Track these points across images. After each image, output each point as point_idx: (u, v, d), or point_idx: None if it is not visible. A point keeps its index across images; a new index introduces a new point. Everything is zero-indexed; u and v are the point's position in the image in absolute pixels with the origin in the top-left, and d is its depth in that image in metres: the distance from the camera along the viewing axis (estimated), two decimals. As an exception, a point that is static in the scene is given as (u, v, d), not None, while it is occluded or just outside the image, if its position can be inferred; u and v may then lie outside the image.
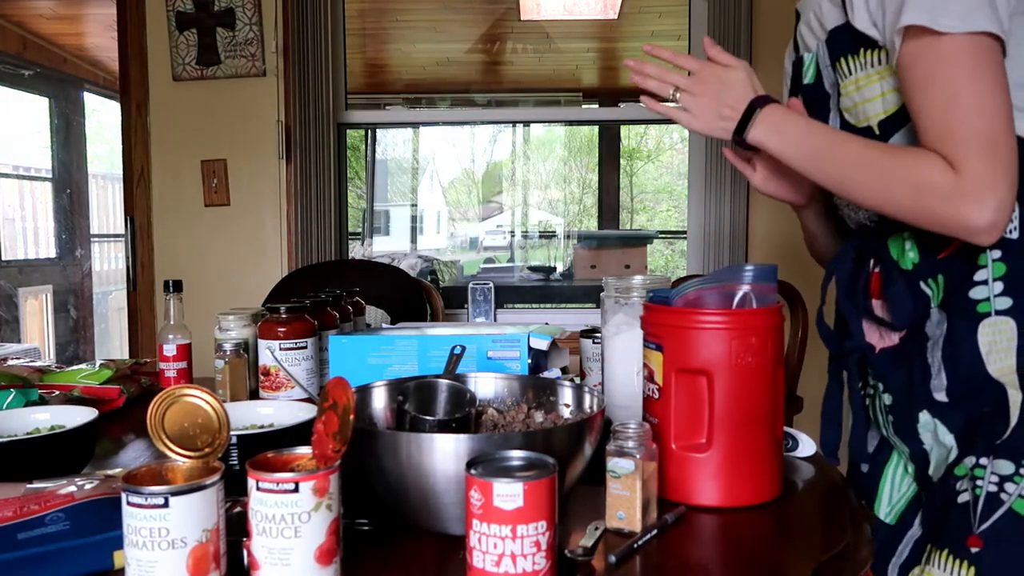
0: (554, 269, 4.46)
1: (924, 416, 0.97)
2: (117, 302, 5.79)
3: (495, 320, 3.05)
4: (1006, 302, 0.92)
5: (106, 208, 6.07)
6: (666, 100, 1.06)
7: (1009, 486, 0.89)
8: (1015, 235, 0.92)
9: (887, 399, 1.04)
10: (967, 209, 0.87)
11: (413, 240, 5.98)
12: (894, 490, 1.06)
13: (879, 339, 1.04)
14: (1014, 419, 0.90)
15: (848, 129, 1.03)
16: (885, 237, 1.04)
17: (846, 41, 1.00)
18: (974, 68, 0.87)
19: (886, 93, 0.97)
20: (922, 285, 0.98)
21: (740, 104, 1.02)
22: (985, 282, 0.93)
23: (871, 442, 1.10)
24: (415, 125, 6.03)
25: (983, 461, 0.90)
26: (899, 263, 1.01)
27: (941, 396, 0.95)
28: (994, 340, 0.92)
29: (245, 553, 0.70)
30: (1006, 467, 0.89)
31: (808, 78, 1.10)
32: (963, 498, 0.91)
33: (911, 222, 0.93)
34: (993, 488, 0.89)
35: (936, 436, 0.96)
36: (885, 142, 0.99)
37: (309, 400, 1.37)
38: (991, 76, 0.87)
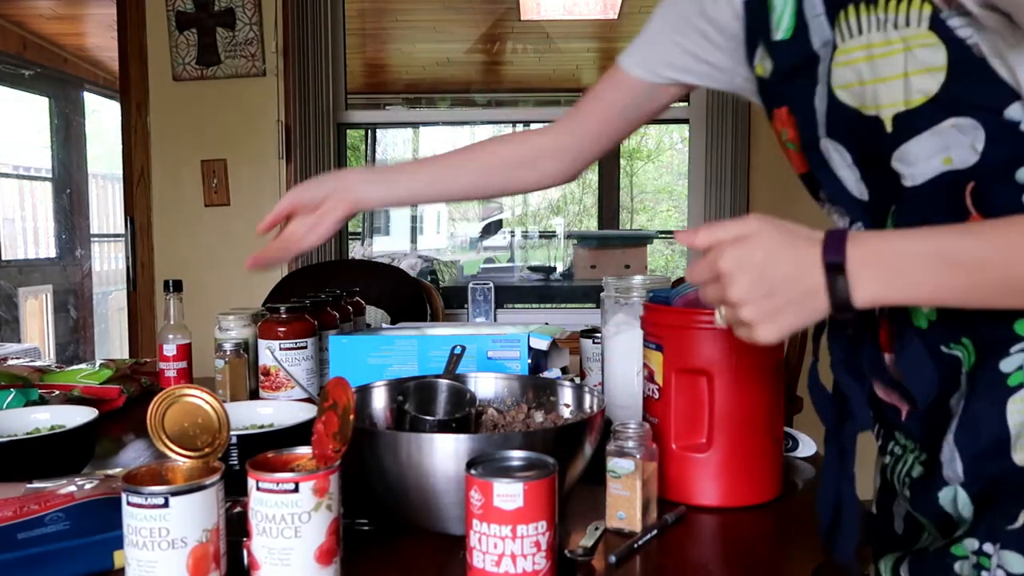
0: (554, 269, 4.45)
1: (943, 492, 0.73)
2: (117, 302, 5.79)
3: (495, 320, 3.05)
4: None
5: (106, 208, 6.07)
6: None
7: None
8: None
9: (916, 471, 0.77)
10: None
11: (413, 240, 5.98)
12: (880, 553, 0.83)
13: (900, 401, 0.78)
14: None
15: (842, 116, 0.73)
16: None
17: None
18: None
19: (912, 74, 0.67)
20: (944, 348, 0.72)
21: (806, 275, 0.65)
22: (1022, 350, 0.67)
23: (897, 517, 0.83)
24: (415, 125, 6.03)
25: (987, 548, 0.68)
26: (911, 318, 0.74)
27: (967, 509, 0.71)
28: None
29: (245, 553, 0.70)
30: (1016, 563, 0.66)
31: (783, 32, 0.78)
32: None
33: None
34: None
35: (956, 507, 0.72)
36: (896, 145, 0.70)
37: (309, 400, 1.37)
38: None
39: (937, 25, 0.64)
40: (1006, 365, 0.68)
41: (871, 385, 0.80)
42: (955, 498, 0.72)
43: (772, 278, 0.65)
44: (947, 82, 0.65)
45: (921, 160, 0.69)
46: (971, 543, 0.70)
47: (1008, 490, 0.68)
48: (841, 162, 0.77)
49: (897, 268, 0.63)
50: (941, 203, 0.70)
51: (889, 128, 0.70)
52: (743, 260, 0.65)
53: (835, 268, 0.63)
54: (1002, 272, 0.62)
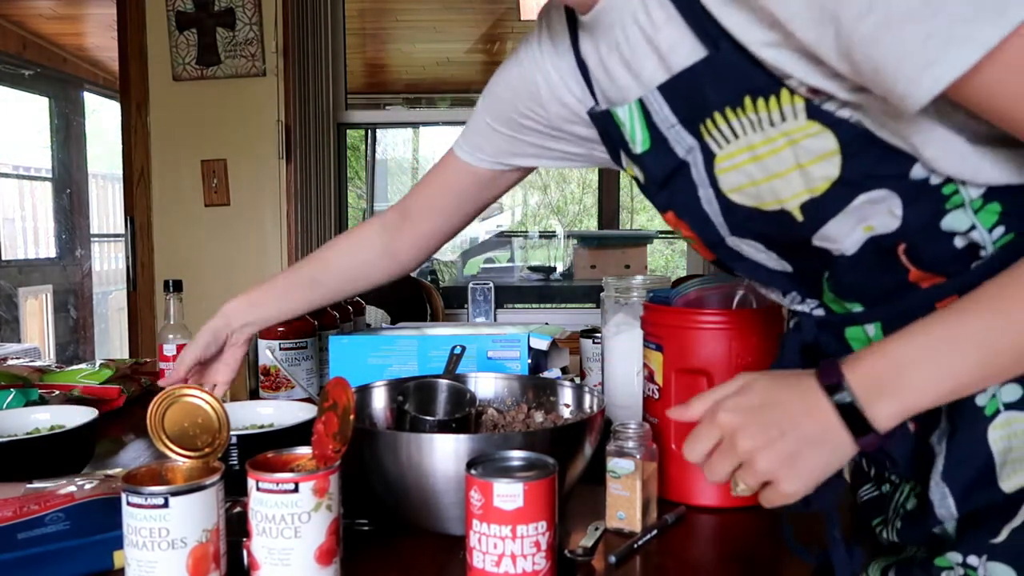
0: (554, 269, 4.45)
1: (938, 529, 0.71)
2: (117, 302, 5.79)
3: (495, 320, 3.05)
4: (1014, 392, 0.65)
5: (106, 208, 6.07)
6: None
7: None
8: None
9: (911, 503, 0.75)
10: None
11: (413, 240, 5.97)
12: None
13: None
14: (1019, 520, 0.65)
15: (742, 216, 0.71)
16: (840, 327, 0.74)
17: (720, 86, 0.66)
18: None
19: (807, 164, 0.65)
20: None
21: (815, 408, 0.61)
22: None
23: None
24: (415, 125, 6.03)
25: (972, 560, 0.67)
26: None
27: (950, 521, 0.69)
28: (1008, 447, 0.65)
29: (245, 553, 0.70)
30: (1004, 574, 0.65)
31: (640, 145, 0.76)
32: None
33: None
34: None
35: (945, 530, 0.71)
36: (812, 231, 0.68)
37: (309, 400, 1.37)
38: None
39: (816, 113, 0.63)
40: (980, 399, 0.66)
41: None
42: (944, 525, 0.70)
43: (779, 419, 0.61)
44: (845, 162, 0.63)
45: (844, 236, 0.68)
46: (955, 556, 0.68)
47: (991, 511, 0.67)
48: (754, 251, 0.76)
49: (905, 376, 0.59)
50: (876, 263, 0.68)
51: (800, 218, 0.68)
52: (743, 407, 0.63)
53: (835, 388, 0.60)
54: (1012, 338, 0.58)
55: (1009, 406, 0.65)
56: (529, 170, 1.08)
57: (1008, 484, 0.65)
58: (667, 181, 0.76)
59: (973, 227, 0.64)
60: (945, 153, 0.61)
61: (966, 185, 0.63)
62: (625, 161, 0.83)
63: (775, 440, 0.61)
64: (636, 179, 0.84)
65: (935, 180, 0.63)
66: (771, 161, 0.66)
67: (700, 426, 0.65)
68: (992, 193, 0.63)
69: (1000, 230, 0.64)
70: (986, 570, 0.66)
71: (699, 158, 0.71)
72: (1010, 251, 0.63)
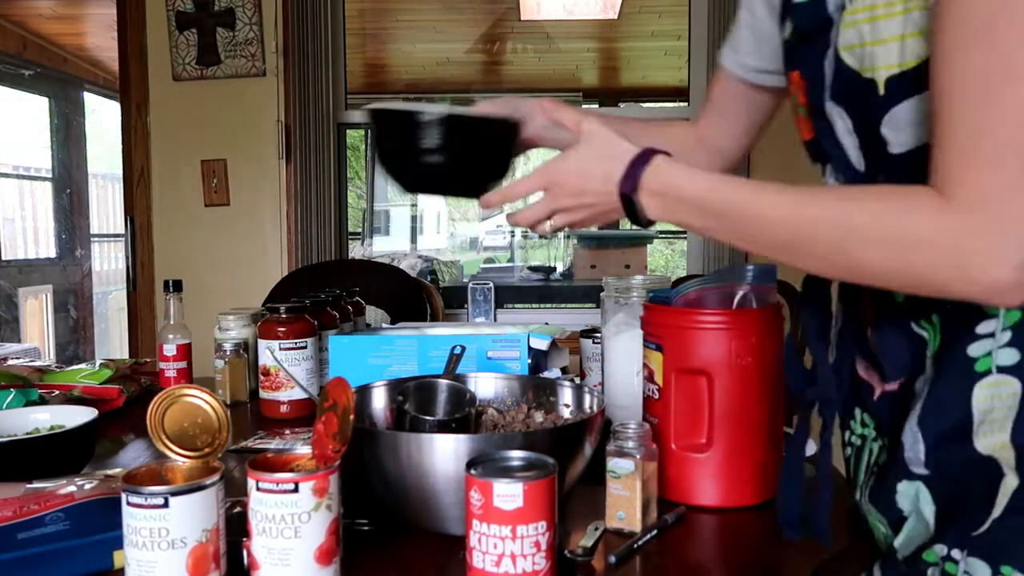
0: (554, 269, 4.46)
1: (903, 485, 0.73)
2: (117, 302, 5.79)
3: (495, 320, 3.05)
4: (1011, 356, 0.66)
5: (106, 208, 6.07)
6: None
7: None
8: None
9: (882, 458, 0.78)
10: (979, 267, 0.59)
11: (413, 240, 5.98)
12: None
13: (878, 381, 0.78)
14: (999, 508, 0.66)
15: (844, 79, 0.73)
16: None
17: None
18: None
19: (908, 37, 0.66)
20: (914, 326, 0.73)
21: (610, 200, 0.81)
22: (992, 335, 0.67)
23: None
24: (415, 125, 6.01)
25: (955, 554, 0.68)
26: (890, 295, 0.75)
27: (919, 470, 0.71)
28: (990, 407, 0.67)
29: (245, 553, 0.70)
30: (981, 569, 0.66)
31: None
32: None
33: (899, 290, 0.70)
34: None
35: (917, 505, 0.73)
36: (886, 109, 0.70)
37: (309, 400, 1.37)
38: None
39: None
40: (974, 350, 0.68)
41: (853, 363, 0.80)
42: (917, 495, 0.72)
43: (584, 203, 0.83)
44: None
45: (907, 126, 0.69)
46: (940, 549, 0.69)
47: (972, 492, 0.68)
48: (843, 128, 0.76)
49: (673, 205, 0.78)
50: (922, 176, 0.67)
51: (882, 91, 0.69)
52: (557, 170, 0.84)
53: (628, 196, 0.79)
54: (733, 224, 0.74)
55: (1002, 369, 0.66)
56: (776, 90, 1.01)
57: (982, 443, 0.67)
58: (810, 35, 0.77)
59: None
60: None
61: None
62: (786, 23, 0.84)
63: (584, 212, 0.84)
64: (784, 42, 0.85)
65: None
66: (882, 25, 0.67)
67: (538, 203, 0.86)
68: None
69: None
70: (966, 565, 0.67)
71: (840, 16, 0.73)
72: None
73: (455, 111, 0.92)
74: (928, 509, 0.71)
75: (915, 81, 0.66)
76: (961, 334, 0.68)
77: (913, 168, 0.69)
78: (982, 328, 0.67)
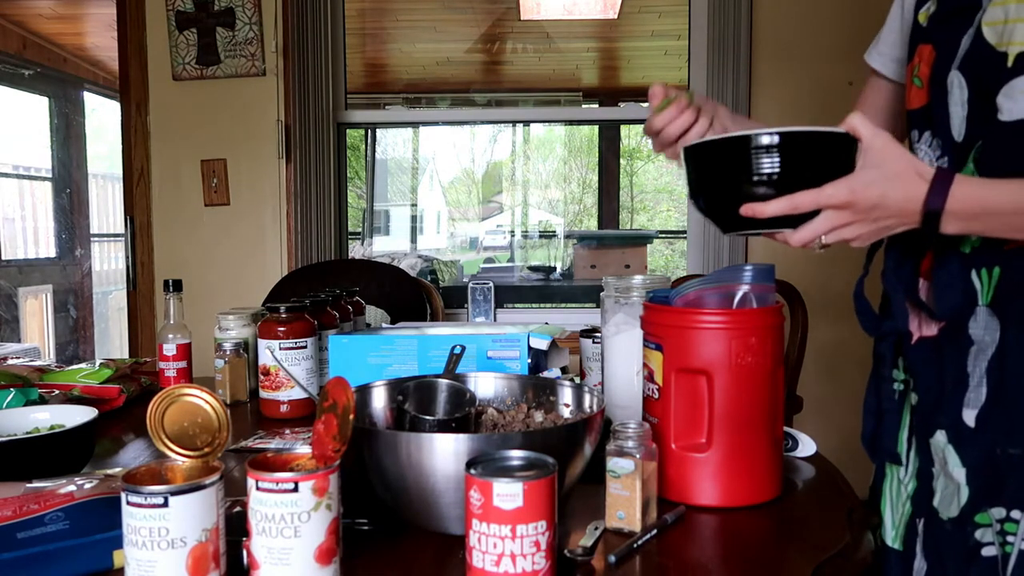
0: (554, 269, 4.45)
1: (939, 436, 0.83)
2: (117, 302, 5.79)
3: (495, 320, 3.05)
4: None
5: (106, 208, 6.07)
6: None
7: None
8: None
9: (914, 398, 0.89)
10: None
11: (413, 240, 5.98)
12: (894, 510, 0.94)
13: (918, 327, 0.87)
14: None
15: (977, 50, 0.80)
16: None
17: None
18: None
19: None
20: (973, 274, 0.82)
21: (905, 217, 0.79)
22: None
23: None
24: (415, 125, 6.03)
25: (1015, 514, 0.75)
26: (959, 242, 0.84)
27: (970, 416, 0.80)
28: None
29: (245, 553, 0.70)
30: None
31: None
32: (988, 551, 0.78)
33: None
34: None
35: (945, 465, 0.82)
36: (1010, 78, 0.77)
37: (309, 400, 1.37)
38: None
39: None
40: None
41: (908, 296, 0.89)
42: (944, 456, 0.80)
43: (878, 218, 0.79)
44: None
45: (1022, 95, 0.78)
46: (998, 511, 0.75)
47: (1018, 460, 0.74)
48: (958, 98, 0.83)
49: (980, 218, 0.77)
50: (1022, 143, 0.78)
51: (1010, 63, 0.78)
52: (861, 210, 0.79)
53: (934, 213, 0.76)
54: None
55: None
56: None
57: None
58: (951, 15, 0.83)
59: None
60: None
61: None
62: (927, 5, 0.89)
63: (869, 227, 0.80)
64: (917, 24, 0.89)
65: None
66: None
67: (823, 220, 0.80)
68: None
69: None
70: None
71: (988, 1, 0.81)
72: None
73: (790, 129, 0.80)
74: (958, 473, 0.79)
75: None
76: (1021, 287, 0.78)
77: (1016, 135, 0.79)
78: None
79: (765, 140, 0.79)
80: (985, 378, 0.79)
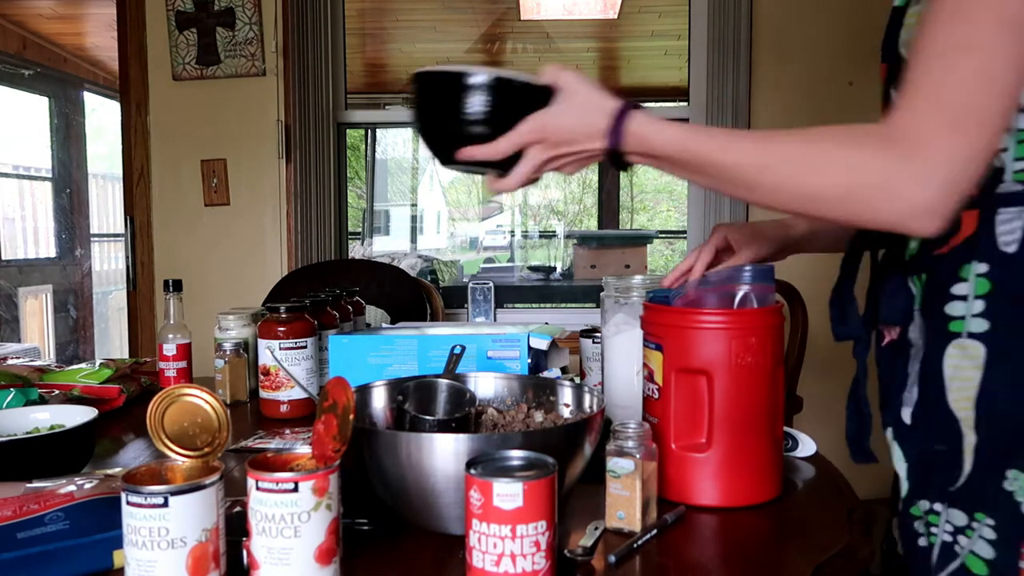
0: (554, 269, 4.45)
1: (888, 432, 0.87)
2: (117, 302, 5.79)
3: (495, 320, 3.05)
4: (982, 325, 0.77)
5: (106, 208, 6.07)
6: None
7: (962, 539, 0.79)
8: (1012, 248, 0.76)
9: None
10: (904, 188, 0.70)
11: (413, 240, 5.98)
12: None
13: (888, 330, 0.90)
14: (967, 465, 0.78)
15: (899, 70, 0.84)
16: None
17: None
18: (1015, 23, 0.69)
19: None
20: (910, 280, 0.85)
21: (593, 146, 0.87)
22: (964, 298, 0.78)
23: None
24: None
25: (937, 507, 0.80)
26: (902, 251, 0.87)
27: (906, 414, 0.84)
28: (959, 365, 0.78)
29: (245, 553, 0.70)
30: (959, 518, 0.79)
31: None
32: (922, 542, 0.83)
33: (846, 221, 0.79)
34: (948, 538, 0.80)
35: (892, 459, 0.87)
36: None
37: (309, 400, 1.37)
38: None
39: None
40: (951, 309, 0.80)
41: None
42: (891, 452, 0.86)
43: (575, 142, 0.87)
44: None
45: None
46: (923, 504, 0.82)
47: (941, 451, 0.80)
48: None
49: (650, 158, 0.85)
50: None
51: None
52: (552, 144, 0.88)
53: (613, 150, 0.85)
54: (703, 174, 0.83)
55: (972, 335, 0.78)
56: None
57: (952, 396, 0.79)
58: (890, 33, 0.88)
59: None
60: None
61: None
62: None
63: (571, 158, 0.89)
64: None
65: None
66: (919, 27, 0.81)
67: (526, 161, 0.89)
68: None
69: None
70: (947, 515, 0.80)
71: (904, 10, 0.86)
72: None
73: (503, 74, 0.87)
74: (901, 466, 0.85)
75: None
76: (941, 292, 0.80)
77: None
78: (956, 289, 0.79)
79: (477, 79, 0.85)
80: (917, 379, 0.83)
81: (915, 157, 0.70)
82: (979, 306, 0.78)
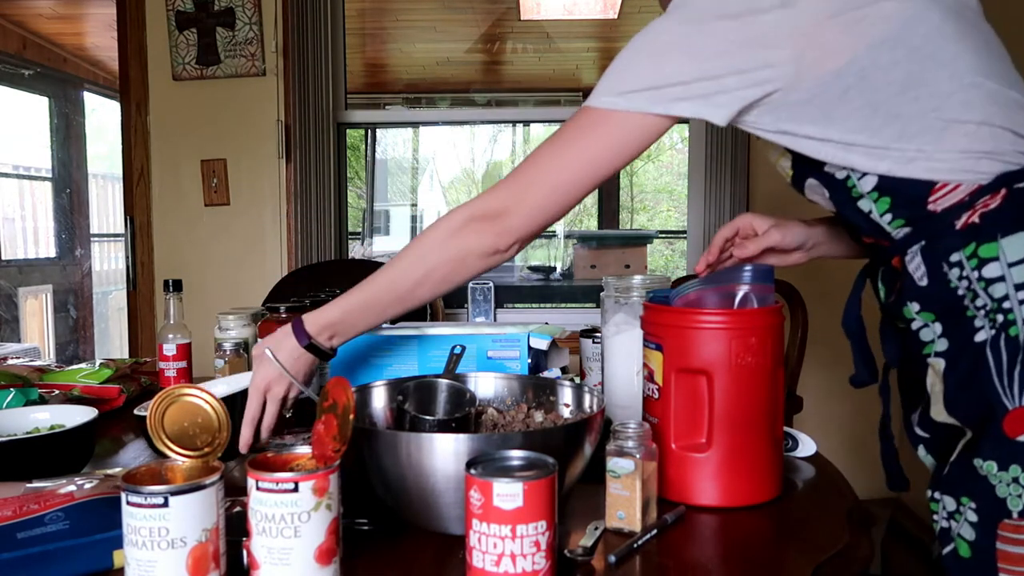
0: (554, 269, 4.45)
1: (920, 449, 0.95)
2: (117, 302, 5.79)
3: (495, 320, 3.05)
4: (943, 344, 0.87)
5: (106, 208, 6.06)
6: None
7: (953, 523, 0.85)
8: (924, 282, 0.87)
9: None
10: (495, 234, 0.96)
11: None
12: None
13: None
14: (955, 454, 0.87)
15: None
16: (876, 266, 0.99)
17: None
18: (586, 127, 0.92)
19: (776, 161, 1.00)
20: (896, 323, 0.95)
21: (295, 351, 1.04)
22: (926, 325, 0.89)
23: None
24: (415, 125, 6.04)
25: (936, 495, 0.88)
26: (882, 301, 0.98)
27: (915, 423, 0.94)
28: (934, 382, 0.88)
29: (245, 553, 0.70)
30: (950, 503, 0.86)
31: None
32: (936, 529, 0.89)
33: (457, 278, 1.02)
34: (945, 524, 0.86)
35: (925, 463, 0.96)
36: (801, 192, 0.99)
37: (308, 400, 1.36)
38: (598, 138, 0.91)
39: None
40: (923, 334, 0.90)
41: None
42: (921, 448, 0.94)
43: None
44: (794, 163, 0.96)
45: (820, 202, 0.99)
46: (928, 492, 0.89)
47: (949, 449, 0.88)
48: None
49: (338, 325, 1.04)
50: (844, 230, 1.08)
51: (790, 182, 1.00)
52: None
53: (310, 346, 1.03)
54: (383, 298, 1.05)
55: (938, 354, 0.88)
56: None
57: (935, 411, 0.88)
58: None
59: (871, 211, 0.91)
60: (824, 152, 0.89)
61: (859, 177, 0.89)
62: None
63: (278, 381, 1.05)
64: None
65: (839, 175, 0.91)
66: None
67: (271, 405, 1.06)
68: (882, 187, 0.88)
69: (888, 216, 0.89)
70: (944, 502, 0.87)
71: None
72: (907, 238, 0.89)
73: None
74: (928, 461, 0.94)
75: (797, 183, 0.98)
76: (909, 327, 0.90)
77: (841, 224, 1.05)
78: (914, 324, 0.89)
79: None
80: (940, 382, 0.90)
81: (503, 218, 0.96)
82: (939, 328, 0.87)
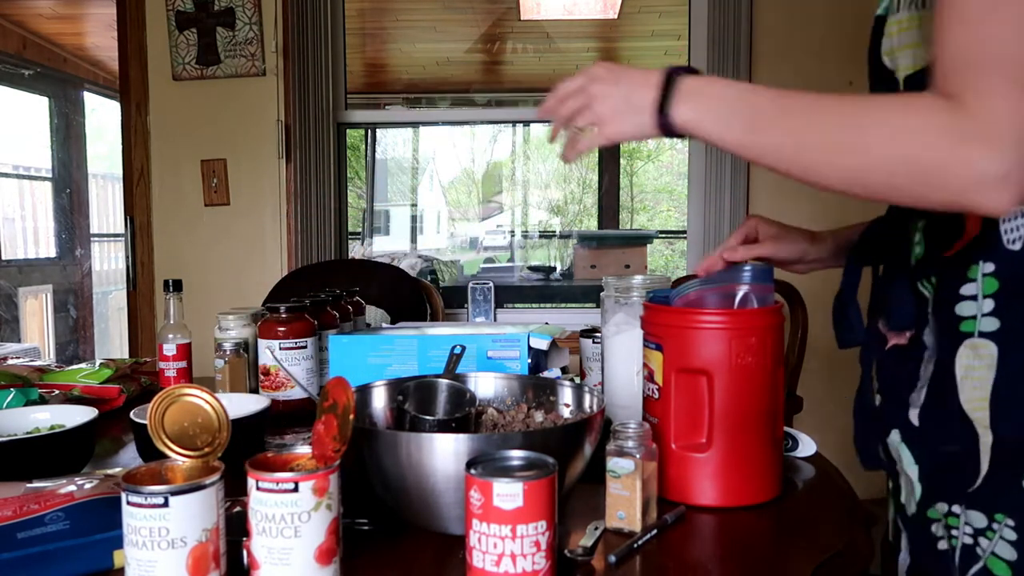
0: (554, 269, 4.45)
1: (894, 435, 0.86)
2: (117, 302, 5.79)
3: (495, 320, 3.05)
4: (992, 324, 0.77)
5: (106, 208, 6.07)
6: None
7: (983, 541, 0.78)
8: (1017, 246, 0.75)
9: (878, 399, 0.92)
10: (971, 151, 0.65)
11: (413, 240, 5.98)
12: (887, 507, 0.96)
13: (894, 335, 0.89)
14: (984, 466, 0.77)
15: (881, 79, 0.85)
16: (902, 224, 0.89)
17: None
18: None
19: (918, 45, 0.79)
20: (920, 284, 0.84)
21: (650, 79, 0.84)
22: (974, 297, 0.78)
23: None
24: (415, 125, 6.03)
25: (956, 509, 0.80)
26: (908, 256, 0.87)
27: (914, 415, 0.83)
28: (971, 365, 0.78)
29: (245, 553, 0.70)
30: (979, 519, 0.78)
31: (880, 7, 0.88)
32: (942, 545, 0.82)
33: (896, 197, 0.76)
34: (969, 540, 0.79)
35: (902, 464, 0.86)
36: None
37: (308, 400, 1.37)
38: None
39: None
40: (961, 309, 0.79)
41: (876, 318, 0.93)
42: (900, 455, 0.85)
43: (620, 81, 0.86)
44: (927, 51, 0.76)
45: None
46: (941, 507, 0.81)
47: (956, 453, 0.79)
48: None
49: (708, 102, 0.82)
50: None
51: (902, 87, 0.83)
52: (601, 69, 0.89)
53: (669, 81, 0.83)
54: (763, 120, 0.78)
55: (984, 334, 0.78)
56: None
57: (964, 396, 0.79)
58: (873, 40, 0.89)
59: None
60: None
61: None
62: None
63: (609, 92, 0.87)
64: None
65: None
66: (905, 35, 0.82)
67: (572, 101, 0.90)
68: None
69: None
70: (966, 517, 0.79)
71: (883, 22, 0.86)
72: None
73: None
74: (912, 469, 0.84)
75: (922, 82, 0.76)
76: (951, 294, 0.80)
77: None
78: (965, 290, 0.78)
79: None
80: (928, 381, 0.82)
81: (984, 119, 0.65)
82: (989, 305, 0.77)
